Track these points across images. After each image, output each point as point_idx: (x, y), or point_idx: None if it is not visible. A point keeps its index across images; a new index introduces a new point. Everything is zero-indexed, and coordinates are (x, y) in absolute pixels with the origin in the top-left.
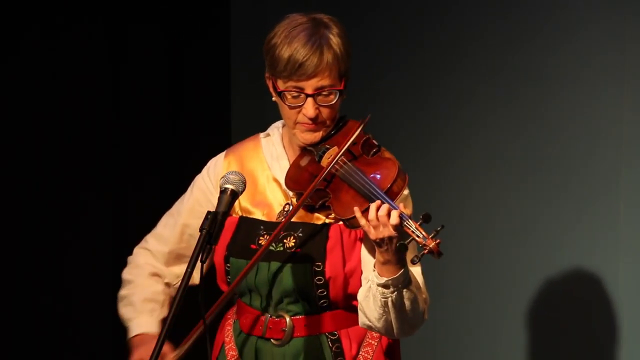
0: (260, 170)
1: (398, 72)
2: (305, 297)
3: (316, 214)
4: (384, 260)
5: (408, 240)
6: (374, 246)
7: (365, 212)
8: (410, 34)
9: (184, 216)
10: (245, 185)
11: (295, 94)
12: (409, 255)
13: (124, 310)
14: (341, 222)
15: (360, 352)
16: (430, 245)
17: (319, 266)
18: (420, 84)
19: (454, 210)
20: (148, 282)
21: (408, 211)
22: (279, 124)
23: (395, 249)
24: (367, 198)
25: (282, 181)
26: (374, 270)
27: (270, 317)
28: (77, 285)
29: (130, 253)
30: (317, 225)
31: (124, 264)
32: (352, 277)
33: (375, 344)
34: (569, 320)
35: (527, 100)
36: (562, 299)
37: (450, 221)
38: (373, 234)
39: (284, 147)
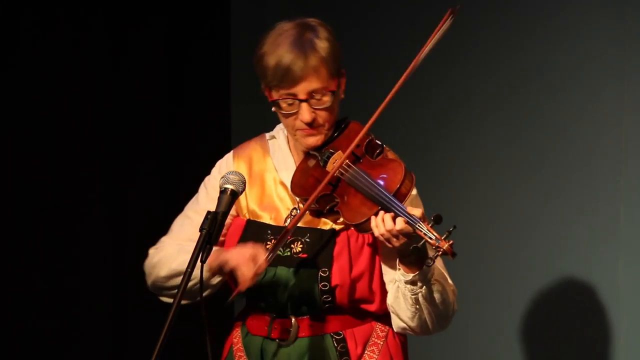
0: (268, 173)
1: (398, 71)
2: (310, 301)
3: (323, 219)
4: (405, 260)
5: (421, 243)
6: (389, 248)
7: (375, 215)
8: (409, 34)
9: (202, 215)
10: (245, 186)
11: (290, 101)
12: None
13: (177, 261)
14: (350, 228)
15: (366, 352)
16: (444, 247)
17: (325, 272)
18: (420, 83)
19: (454, 211)
20: (177, 246)
21: (418, 212)
22: (282, 125)
23: (410, 251)
24: (376, 202)
25: (289, 185)
26: (399, 269)
27: (276, 317)
28: (77, 284)
29: (130, 255)
30: (324, 230)
31: (124, 263)
32: (358, 283)
33: (381, 343)
34: (568, 321)
35: (527, 100)
36: (561, 299)
37: (450, 221)
38: (384, 240)
39: (290, 150)
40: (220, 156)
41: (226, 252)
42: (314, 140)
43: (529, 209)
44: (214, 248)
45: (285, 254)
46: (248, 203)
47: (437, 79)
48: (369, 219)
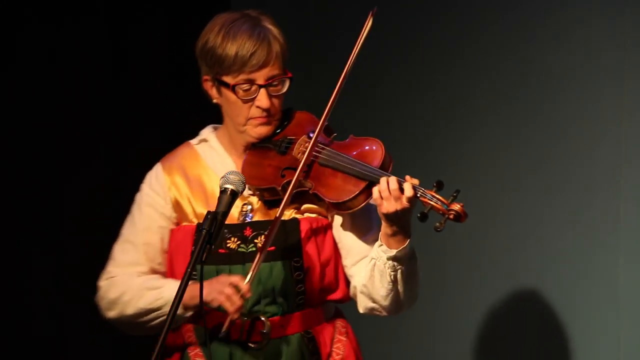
0: (205, 176)
1: (398, 71)
2: (284, 295)
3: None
4: (392, 232)
5: (427, 209)
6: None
7: (366, 189)
8: (410, 34)
9: (142, 236)
10: (245, 186)
11: (247, 87)
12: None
13: (145, 300)
14: (307, 215)
15: (333, 349)
16: (456, 209)
17: (297, 261)
18: (420, 83)
19: None
20: (139, 278)
21: (416, 181)
22: (209, 129)
23: (404, 221)
24: (362, 177)
25: None
26: (381, 245)
27: (246, 320)
28: (76, 283)
29: None
30: (285, 220)
31: None
32: (327, 268)
33: (345, 339)
34: (568, 320)
35: (527, 100)
36: (561, 299)
37: (450, 221)
38: (384, 208)
39: (224, 149)
40: None
41: (202, 291)
42: (266, 129)
43: (529, 209)
44: (189, 285)
45: (250, 250)
46: (194, 208)
47: (437, 79)
48: (357, 196)
